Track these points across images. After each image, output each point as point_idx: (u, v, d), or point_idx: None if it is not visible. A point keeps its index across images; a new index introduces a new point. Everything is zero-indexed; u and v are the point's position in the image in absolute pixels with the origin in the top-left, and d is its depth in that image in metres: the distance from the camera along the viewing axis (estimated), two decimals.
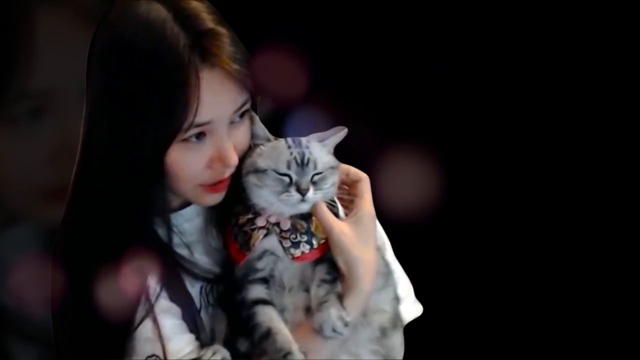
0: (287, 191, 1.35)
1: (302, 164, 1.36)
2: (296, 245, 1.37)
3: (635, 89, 2.31)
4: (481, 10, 2.30)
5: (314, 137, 1.40)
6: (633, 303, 2.35)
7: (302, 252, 1.37)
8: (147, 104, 1.30)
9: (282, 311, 1.37)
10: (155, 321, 1.36)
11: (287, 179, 1.35)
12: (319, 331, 1.33)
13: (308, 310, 1.36)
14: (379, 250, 1.44)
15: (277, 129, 1.42)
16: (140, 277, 1.36)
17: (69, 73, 2.04)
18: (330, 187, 1.38)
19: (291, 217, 1.38)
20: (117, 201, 1.35)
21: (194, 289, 1.41)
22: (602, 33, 2.29)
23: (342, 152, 1.42)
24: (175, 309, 1.38)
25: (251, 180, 1.37)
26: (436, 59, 2.31)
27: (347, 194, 1.43)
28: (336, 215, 1.40)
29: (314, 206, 1.37)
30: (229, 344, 1.37)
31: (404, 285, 1.51)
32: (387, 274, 1.44)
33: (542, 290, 2.36)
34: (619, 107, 2.32)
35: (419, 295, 1.55)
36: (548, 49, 2.31)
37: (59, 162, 2.05)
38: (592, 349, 2.35)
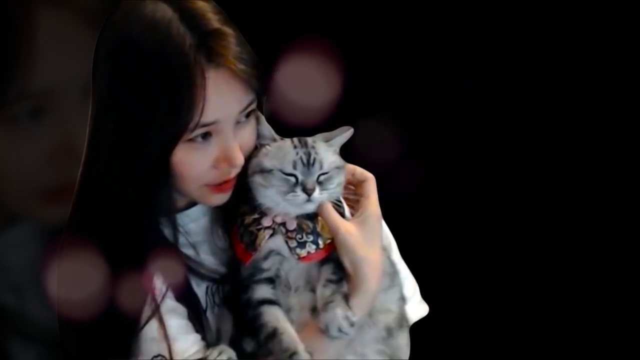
0: (293, 191, 1.35)
1: (308, 164, 1.36)
2: (302, 245, 1.37)
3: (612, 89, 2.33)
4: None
5: (320, 137, 1.41)
6: (632, 291, 2.37)
7: (308, 252, 1.37)
8: (153, 104, 1.30)
9: (288, 311, 1.37)
10: (161, 321, 1.35)
11: (293, 179, 1.35)
12: (325, 331, 1.33)
13: (314, 310, 1.36)
14: (385, 250, 1.44)
15: (283, 128, 1.42)
16: (146, 277, 1.36)
17: (69, 73, 2.04)
18: (336, 187, 1.38)
19: (297, 217, 1.38)
20: (123, 201, 1.35)
21: (200, 289, 1.41)
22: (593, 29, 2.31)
23: (348, 152, 1.43)
24: (181, 309, 1.38)
25: (257, 180, 1.37)
26: (439, 61, 2.32)
27: (353, 194, 1.43)
28: (342, 215, 1.40)
29: (320, 206, 1.37)
30: (235, 344, 1.37)
31: (409, 285, 1.51)
32: (393, 274, 1.45)
33: (548, 292, 2.36)
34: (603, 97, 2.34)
35: (425, 295, 1.55)
36: (542, 44, 2.33)
37: (59, 162, 2.05)
38: (596, 344, 2.36)
